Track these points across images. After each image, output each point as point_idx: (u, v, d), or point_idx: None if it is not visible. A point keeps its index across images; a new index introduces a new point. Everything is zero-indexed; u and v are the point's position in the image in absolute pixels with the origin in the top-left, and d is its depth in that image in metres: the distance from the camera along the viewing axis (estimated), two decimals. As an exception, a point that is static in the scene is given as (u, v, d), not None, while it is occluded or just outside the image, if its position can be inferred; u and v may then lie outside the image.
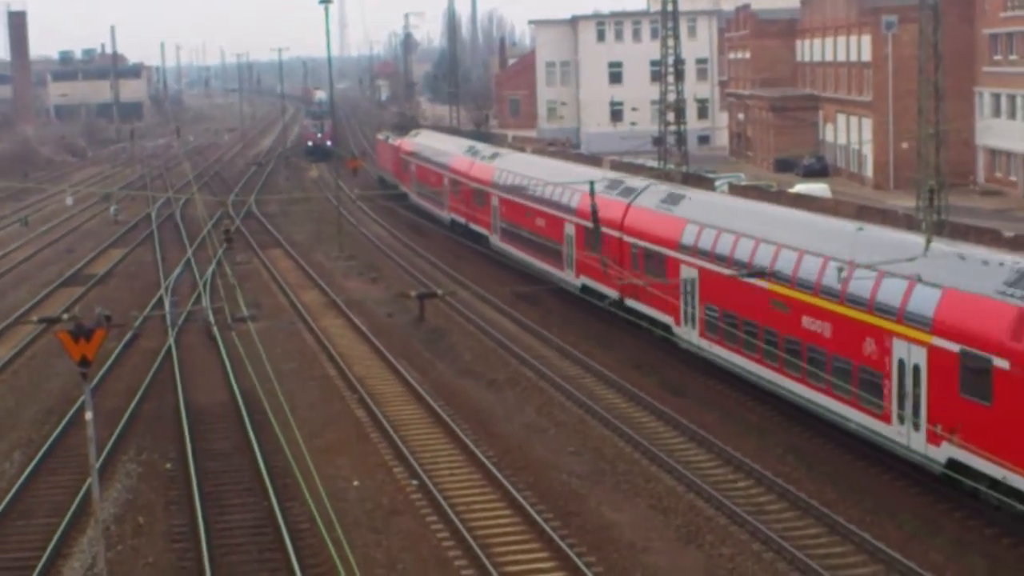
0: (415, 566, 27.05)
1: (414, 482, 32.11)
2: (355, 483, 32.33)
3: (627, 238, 47.61)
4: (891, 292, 31.13)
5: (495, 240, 64.19)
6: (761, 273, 36.84)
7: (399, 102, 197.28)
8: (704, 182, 54.37)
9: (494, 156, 68.61)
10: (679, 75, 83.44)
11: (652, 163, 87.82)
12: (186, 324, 52.05)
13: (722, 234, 40.76)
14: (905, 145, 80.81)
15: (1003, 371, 27.24)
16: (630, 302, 47.41)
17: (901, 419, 30.41)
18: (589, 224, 47.78)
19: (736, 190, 52.92)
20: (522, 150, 79.36)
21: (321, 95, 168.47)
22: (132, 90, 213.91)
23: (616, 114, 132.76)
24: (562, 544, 27.25)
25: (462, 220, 71.73)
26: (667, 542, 28.12)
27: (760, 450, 34.02)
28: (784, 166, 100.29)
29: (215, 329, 49.96)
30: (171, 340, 48.29)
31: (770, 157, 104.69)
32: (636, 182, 51.84)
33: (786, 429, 35.93)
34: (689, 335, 42.42)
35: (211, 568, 26.39)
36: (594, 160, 74.97)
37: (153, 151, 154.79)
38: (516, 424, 37.39)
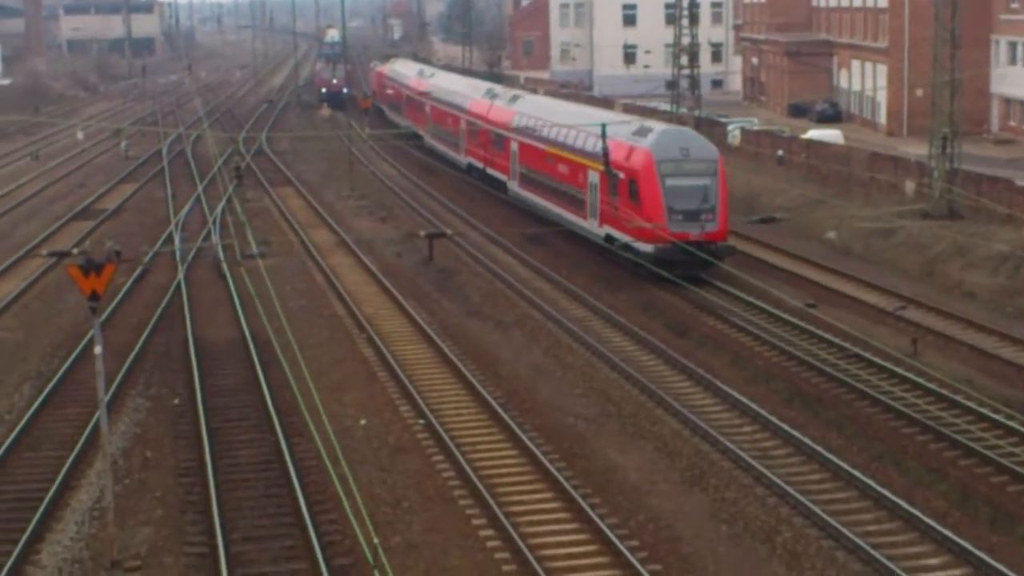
0: (420, 504, 27.19)
1: (421, 421, 32.23)
2: (362, 421, 32.46)
3: (485, 125, 68.04)
4: (589, 144, 50.83)
5: (515, 188, 63.28)
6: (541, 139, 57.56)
7: (412, 42, 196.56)
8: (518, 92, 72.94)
9: (510, 99, 68.21)
10: (693, 18, 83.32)
11: (665, 106, 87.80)
12: (196, 260, 52.13)
13: (528, 118, 60.55)
14: (919, 92, 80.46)
15: (623, 180, 47.94)
16: (488, 169, 68.39)
17: (590, 215, 51.26)
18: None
19: (555, 93, 75.94)
20: (533, 92, 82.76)
21: (333, 34, 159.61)
22: (144, 25, 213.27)
23: (629, 57, 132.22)
24: (567, 485, 27.37)
25: (483, 166, 70.15)
26: (671, 485, 28.24)
27: (766, 395, 34.10)
28: (797, 111, 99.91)
29: (224, 266, 50.02)
30: (181, 276, 48.36)
31: (783, 102, 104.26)
32: (498, 89, 73.90)
33: (793, 374, 35.99)
34: (514, 188, 62.94)
35: (218, 503, 26.53)
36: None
37: (165, 87, 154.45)
38: (523, 365, 37.48)
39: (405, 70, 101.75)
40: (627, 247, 48.51)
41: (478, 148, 71.12)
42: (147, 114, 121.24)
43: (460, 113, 75.52)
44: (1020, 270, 45.56)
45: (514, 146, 62.85)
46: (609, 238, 50.23)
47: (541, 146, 58.15)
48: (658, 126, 51.01)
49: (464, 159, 74.96)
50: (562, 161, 55.11)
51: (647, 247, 46.76)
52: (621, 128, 50.76)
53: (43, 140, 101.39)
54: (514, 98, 68.13)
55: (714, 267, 46.14)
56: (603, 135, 48.34)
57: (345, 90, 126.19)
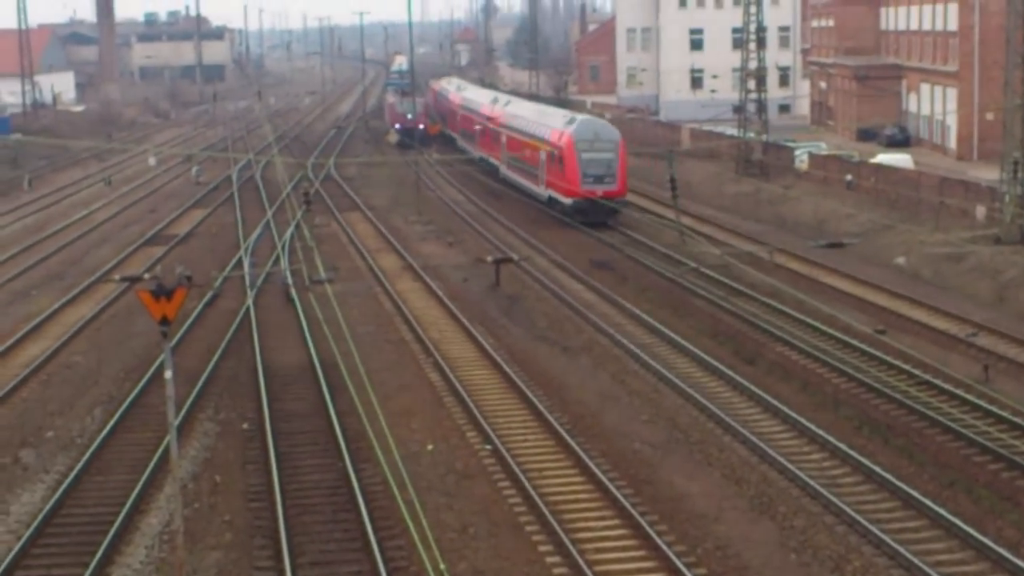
0: (486, 530, 27.19)
1: (487, 447, 32.25)
2: (429, 447, 32.52)
3: (493, 127, 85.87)
4: (543, 132, 70.92)
5: (504, 170, 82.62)
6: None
7: (479, 67, 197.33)
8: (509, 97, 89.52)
9: (505, 103, 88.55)
10: (761, 42, 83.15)
11: (732, 131, 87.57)
12: (265, 285, 52.49)
13: (511, 117, 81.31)
14: (990, 116, 79.74)
15: (556, 155, 66.97)
16: (484, 155, 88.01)
17: (541, 184, 70.17)
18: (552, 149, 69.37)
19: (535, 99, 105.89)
20: (521, 98, 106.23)
21: (401, 62, 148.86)
22: (215, 52, 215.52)
23: (696, 81, 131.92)
24: (634, 512, 27.28)
25: (485, 155, 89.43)
26: (739, 512, 28.08)
27: (835, 422, 33.86)
28: (866, 136, 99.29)
29: (293, 291, 50.34)
30: (250, 301, 48.70)
31: (852, 126, 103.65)
32: (504, 97, 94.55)
33: (862, 401, 35.72)
34: (504, 171, 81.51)
35: (286, 527, 26.66)
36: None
37: (235, 113, 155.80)
38: (590, 391, 37.43)
39: (474, 96, 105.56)
40: (557, 201, 68.74)
41: (485, 143, 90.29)
42: (217, 140, 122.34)
43: (475, 116, 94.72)
44: (1093, 296, 44.99)
45: (503, 138, 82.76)
46: (550, 198, 70.21)
47: (523, 139, 76.57)
48: (580, 117, 73.08)
49: (477, 154, 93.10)
50: (528, 147, 74.84)
51: (568, 200, 66.95)
52: (559, 120, 71.98)
53: (116, 166, 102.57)
54: (506, 103, 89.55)
55: (617, 215, 66.05)
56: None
57: (422, 126, 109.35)
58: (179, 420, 31.36)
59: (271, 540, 26.67)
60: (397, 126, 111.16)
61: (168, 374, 24.35)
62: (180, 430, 31.16)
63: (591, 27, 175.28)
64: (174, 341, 40.25)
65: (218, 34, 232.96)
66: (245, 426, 34.68)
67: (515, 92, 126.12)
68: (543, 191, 71.07)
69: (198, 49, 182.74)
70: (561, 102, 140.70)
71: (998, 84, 62.15)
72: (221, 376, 39.44)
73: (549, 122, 72.25)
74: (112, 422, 34.37)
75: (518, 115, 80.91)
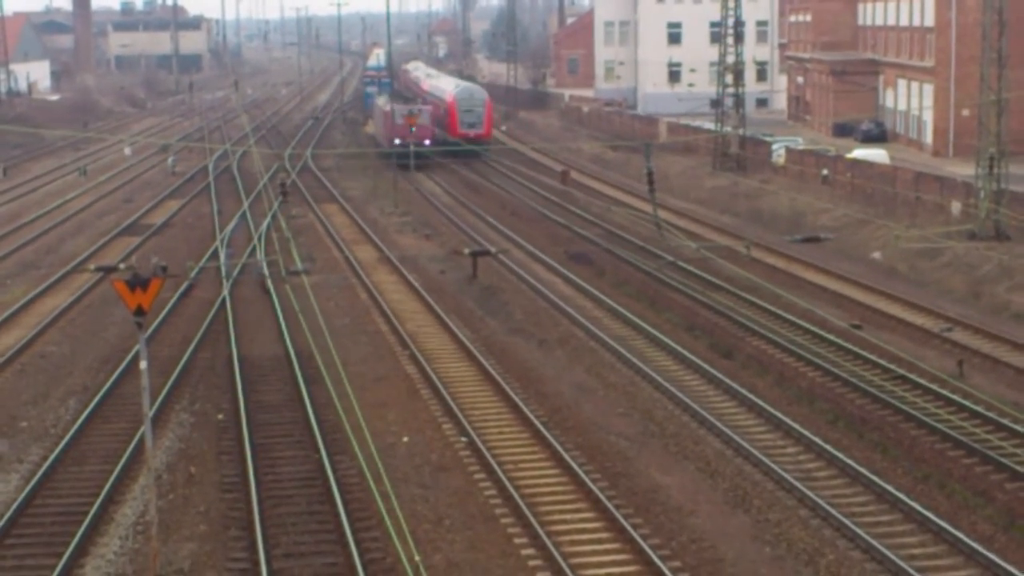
0: (462, 522, 27.19)
1: (463, 439, 32.24)
2: (404, 438, 32.50)
3: (421, 93, 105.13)
4: (442, 95, 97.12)
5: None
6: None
7: (456, 59, 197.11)
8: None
9: (427, 75, 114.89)
10: (738, 37, 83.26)
11: (709, 125, 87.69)
12: (241, 276, 52.38)
13: (429, 86, 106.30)
14: (966, 112, 79.96)
15: (444, 109, 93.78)
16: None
17: (440, 128, 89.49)
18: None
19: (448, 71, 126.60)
20: (445, 73, 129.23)
21: (379, 55, 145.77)
22: (192, 42, 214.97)
23: (674, 75, 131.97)
24: (609, 505, 27.32)
25: None
26: (714, 506, 28.13)
27: (810, 416, 33.95)
28: (842, 131, 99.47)
29: (269, 282, 50.23)
30: (226, 292, 48.59)
31: (828, 121, 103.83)
32: (434, 72, 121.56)
33: (837, 395, 35.81)
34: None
35: (261, 518, 26.61)
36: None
37: (211, 103, 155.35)
38: (565, 384, 37.45)
39: (417, 73, 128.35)
40: (448, 140, 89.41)
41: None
42: (194, 130, 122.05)
43: (416, 87, 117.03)
44: (1067, 292, 45.20)
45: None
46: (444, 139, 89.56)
47: (434, 100, 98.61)
48: (463, 84, 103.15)
49: None
50: (435, 105, 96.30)
51: (451, 137, 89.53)
52: (451, 86, 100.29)
53: (91, 155, 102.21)
54: (428, 75, 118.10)
55: (486, 149, 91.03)
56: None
57: (428, 141, 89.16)
58: (154, 411, 31.27)
59: (246, 531, 26.62)
60: (397, 141, 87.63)
61: (143, 364, 24.28)
62: (155, 421, 31.08)
63: (569, 20, 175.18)
64: (149, 332, 40.07)
65: (195, 23, 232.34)
66: (220, 417, 34.61)
67: (461, 73, 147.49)
68: (440, 133, 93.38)
69: (175, 38, 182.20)
70: (539, 94, 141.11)
71: (974, 80, 62.33)
72: (196, 367, 39.35)
73: (445, 87, 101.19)
74: (87, 412, 34.27)
75: (432, 84, 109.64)
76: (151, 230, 64.75)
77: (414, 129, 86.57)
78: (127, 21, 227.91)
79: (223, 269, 52.12)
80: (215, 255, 56.34)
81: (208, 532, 26.96)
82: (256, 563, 24.89)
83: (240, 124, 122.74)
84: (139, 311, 23.99)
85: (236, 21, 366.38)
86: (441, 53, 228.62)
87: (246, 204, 71.69)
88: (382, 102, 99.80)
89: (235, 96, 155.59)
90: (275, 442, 32.21)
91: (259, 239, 59.69)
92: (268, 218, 65.67)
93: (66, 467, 30.62)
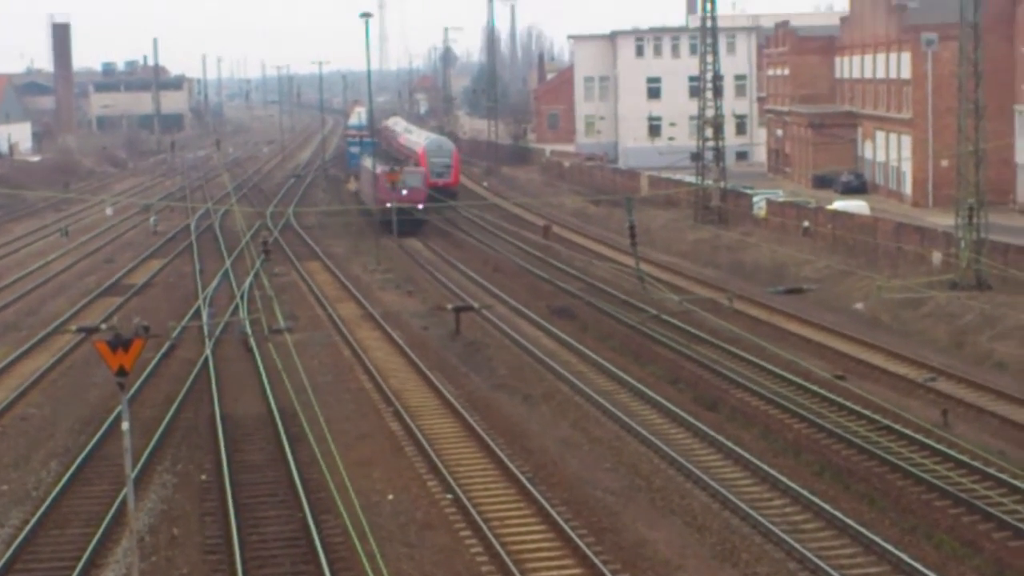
0: (448, 580, 27.01)
1: (448, 496, 32.08)
2: (389, 496, 32.32)
3: (397, 146, 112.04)
4: (414, 147, 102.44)
5: None
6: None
7: (438, 116, 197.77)
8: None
9: (405, 129, 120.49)
10: (717, 91, 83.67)
11: (690, 178, 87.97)
12: (223, 335, 52.23)
13: (403, 138, 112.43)
14: (944, 163, 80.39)
15: (415, 159, 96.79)
16: None
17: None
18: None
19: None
20: (421, 128, 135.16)
21: (360, 113, 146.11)
22: (173, 102, 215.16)
23: (654, 129, 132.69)
24: (596, 561, 27.16)
25: None
26: (701, 560, 27.99)
27: (796, 468, 33.85)
28: (822, 183, 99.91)
29: (252, 340, 50.09)
30: (208, 351, 48.43)
31: (808, 173, 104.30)
32: (410, 127, 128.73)
33: (823, 447, 35.74)
34: None
35: (245, 580, 26.41)
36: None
37: (193, 162, 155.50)
38: (551, 439, 37.31)
39: (395, 127, 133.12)
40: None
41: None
42: (176, 189, 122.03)
43: (394, 140, 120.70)
44: (1050, 340, 45.25)
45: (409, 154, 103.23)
46: None
47: (406, 151, 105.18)
48: (432, 136, 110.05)
49: None
50: (408, 156, 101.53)
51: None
52: (422, 139, 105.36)
53: (73, 216, 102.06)
54: (406, 129, 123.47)
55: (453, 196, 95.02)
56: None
57: (421, 206, 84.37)
58: (136, 472, 31.08)
59: (230, 593, 26.40)
60: (388, 205, 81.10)
61: (125, 425, 24.16)
62: (137, 482, 30.87)
63: (549, 76, 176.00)
64: (131, 392, 39.97)
65: (176, 83, 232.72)
66: (203, 477, 34.40)
67: (442, 129, 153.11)
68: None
69: (156, 98, 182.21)
70: (521, 149, 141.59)
71: (951, 131, 62.62)
72: (179, 427, 39.15)
73: (417, 140, 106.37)
74: (68, 474, 34.01)
75: (407, 137, 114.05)
76: (133, 290, 64.57)
77: (406, 192, 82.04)
78: (108, 82, 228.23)
79: (205, 328, 52.01)
80: (197, 314, 56.20)
81: (192, 594, 26.72)
82: (241, 625, 24.66)
83: (222, 183, 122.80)
84: (121, 372, 23.90)
85: (217, 80, 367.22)
86: (423, 110, 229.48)
87: (228, 262, 71.61)
88: (370, 163, 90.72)
89: (217, 155, 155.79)
90: (259, 502, 32.00)
91: (241, 297, 59.59)
92: (250, 276, 65.59)
93: (47, 530, 30.37)
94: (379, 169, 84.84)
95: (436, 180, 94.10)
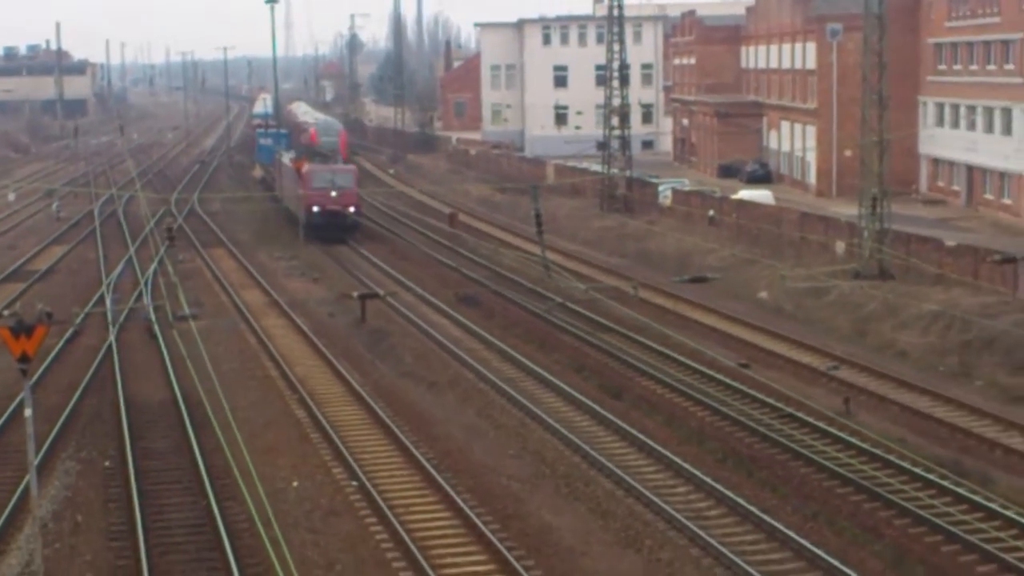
0: (353, 567, 26.99)
1: (354, 483, 32.03)
2: (294, 483, 32.22)
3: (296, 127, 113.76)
4: (307, 127, 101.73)
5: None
6: None
7: (344, 103, 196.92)
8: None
9: (304, 112, 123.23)
10: (624, 80, 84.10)
11: (596, 167, 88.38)
12: (127, 322, 51.73)
13: (301, 121, 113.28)
14: (848, 153, 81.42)
15: (308, 138, 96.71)
16: None
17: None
18: None
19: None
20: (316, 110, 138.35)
21: (266, 100, 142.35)
22: (76, 87, 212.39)
23: (561, 118, 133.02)
24: (501, 547, 27.25)
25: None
26: (606, 546, 28.18)
27: (700, 455, 34.17)
28: (728, 172, 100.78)
29: (156, 327, 49.66)
30: (112, 337, 47.95)
31: (714, 163, 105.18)
32: (308, 110, 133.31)
33: (726, 434, 36.09)
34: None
35: (149, 567, 26.24)
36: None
37: (96, 148, 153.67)
38: (456, 426, 37.38)
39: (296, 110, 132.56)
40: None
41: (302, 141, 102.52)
42: (79, 175, 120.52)
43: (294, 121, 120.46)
44: (950, 330, 46.00)
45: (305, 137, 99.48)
46: None
47: (303, 132, 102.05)
48: (321, 117, 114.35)
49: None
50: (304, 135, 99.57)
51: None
52: (313, 118, 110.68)
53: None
54: (304, 112, 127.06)
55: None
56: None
57: (354, 208, 75.68)
58: (39, 459, 30.70)
59: (133, 581, 26.20)
60: (315, 208, 74.20)
61: (28, 412, 23.92)
62: (40, 469, 30.51)
63: (456, 63, 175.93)
64: (34, 379, 39.43)
65: (79, 68, 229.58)
66: (107, 464, 34.08)
67: (347, 116, 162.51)
68: None
69: (59, 83, 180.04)
70: (426, 136, 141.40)
71: (856, 121, 63.44)
72: (83, 414, 38.76)
73: (310, 120, 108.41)
74: (-32, 462, 33.55)
75: (304, 119, 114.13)
76: (35, 276, 63.73)
77: (334, 194, 74.16)
78: (10, 66, 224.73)
79: (109, 315, 51.49)
80: (101, 300, 55.60)
81: (95, 582, 26.49)
82: (144, 613, 24.50)
83: (126, 168, 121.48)
84: (24, 358, 23.67)
85: (121, 65, 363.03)
86: (329, 97, 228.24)
87: (132, 249, 70.90)
88: (292, 160, 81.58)
89: (120, 141, 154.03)
90: (163, 489, 31.78)
91: (146, 284, 59.03)
92: (155, 263, 64.96)
93: (-53, 518, 29.94)
94: (305, 168, 76.29)
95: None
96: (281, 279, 63.34)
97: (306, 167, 76.19)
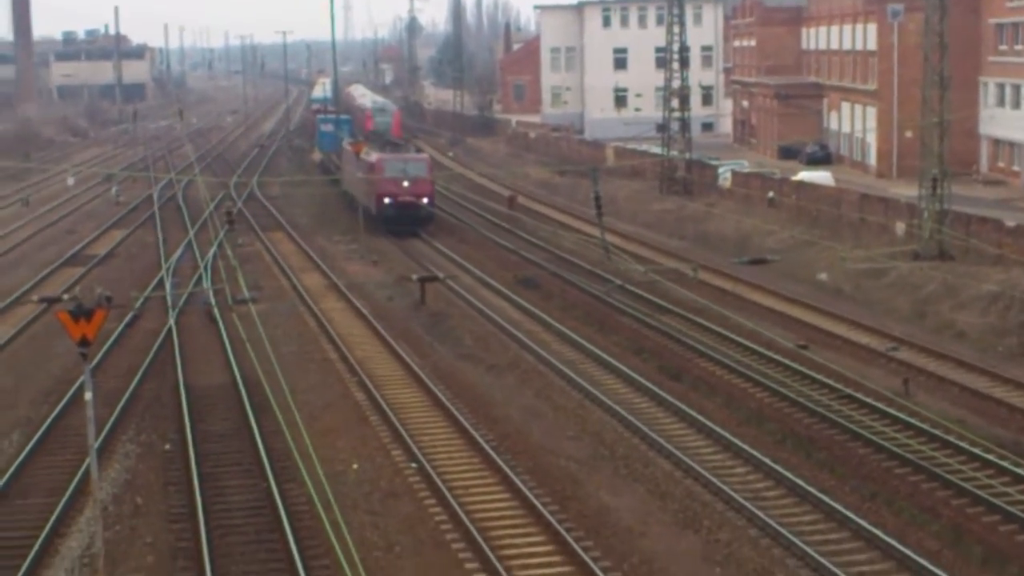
0: (413, 548, 27.08)
1: (413, 465, 32.13)
2: (354, 465, 32.35)
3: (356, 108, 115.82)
4: (364, 108, 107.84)
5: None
6: None
7: (403, 86, 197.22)
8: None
9: (361, 95, 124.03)
10: (684, 62, 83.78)
11: (656, 149, 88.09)
12: (187, 306, 52.04)
13: (360, 102, 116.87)
14: (909, 134, 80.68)
15: (362, 118, 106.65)
16: None
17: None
18: None
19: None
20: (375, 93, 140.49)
21: (325, 84, 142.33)
22: (135, 71, 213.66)
23: (620, 100, 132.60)
24: (560, 528, 27.27)
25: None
26: (664, 527, 28.15)
27: (758, 436, 34.05)
28: (788, 153, 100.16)
29: (216, 311, 49.96)
30: (171, 321, 48.28)
31: (774, 144, 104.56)
32: (367, 92, 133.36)
33: (785, 415, 35.95)
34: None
35: (209, 548, 26.40)
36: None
37: (155, 132, 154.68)
38: (515, 408, 37.41)
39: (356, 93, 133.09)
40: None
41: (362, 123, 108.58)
42: (138, 159, 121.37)
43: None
44: (1010, 310, 45.60)
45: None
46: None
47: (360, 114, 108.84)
48: (377, 99, 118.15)
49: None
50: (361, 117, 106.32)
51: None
52: (369, 102, 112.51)
53: (33, 186, 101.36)
54: (363, 95, 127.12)
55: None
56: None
57: (427, 199, 71.63)
58: (99, 442, 31.01)
59: (194, 562, 26.40)
60: (387, 199, 70.58)
61: (88, 395, 24.10)
62: (100, 452, 30.80)
63: (515, 46, 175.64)
64: (94, 363, 39.84)
65: (138, 52, 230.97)
66: (167, 447, 34.34)
67: (407, 99, 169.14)
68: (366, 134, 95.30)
69: (118, 68, 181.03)
70: (486, 120, 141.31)
71: (916, 102, 62.88)
72: (142, 397, 39.04)
73: (367, 102, 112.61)
74: (30, 445, 33.90)
75: (361, 101, 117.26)
76: (95, 260, 64.28)
77: (406, 184, 70.26)
78: (69, 51, 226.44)
79: (169, 298, 51.84)
80: (160, 285, 56.00)
81: (156, 563, 26.72)
82: (204, 593, 24.68)
83: (185, 153, 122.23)
84: (83, 342, 23.81)
85: (180, 50, 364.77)
86: (388, 80, 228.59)
87: (191, 233, 71.33)
88: (362, 149, 75.71)
89: (179, 125, 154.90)
90: (223, 471, 31.98)
91: (205, 268, 59.38)
92: (214, 247, 65.37)
93: (10, 500, 30.27)
94: (374, 157, 72.40)
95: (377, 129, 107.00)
96: (341, 262, 63.56)
97: (376, 155, 72.68)
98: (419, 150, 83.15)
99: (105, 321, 24.84)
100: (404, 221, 70.48)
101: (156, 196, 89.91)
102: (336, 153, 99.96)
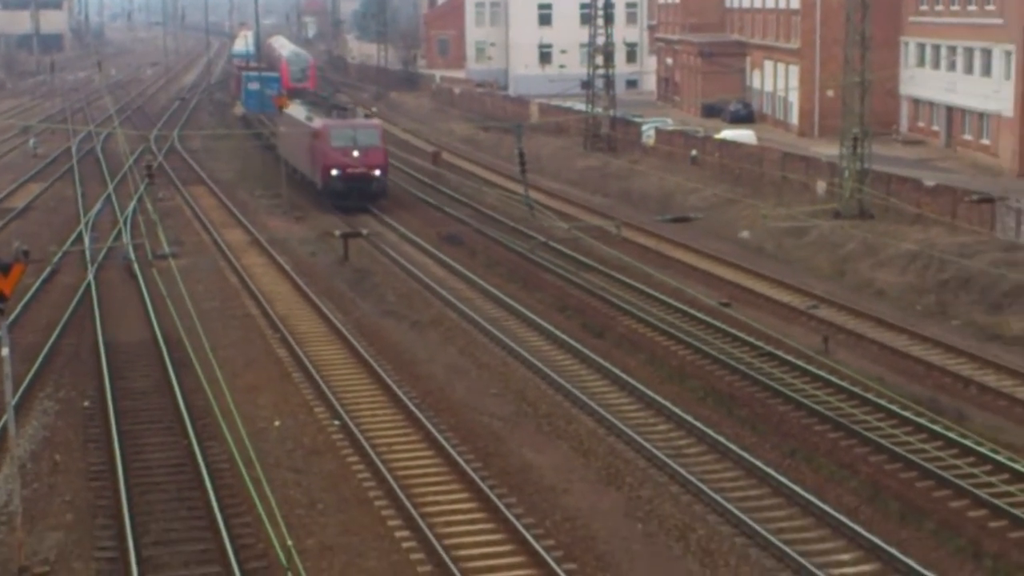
0: (336, 506, 27.04)
1: (336, 422, 32.05)
2: (276, 423, 32.23)
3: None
4: (280, 58, 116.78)
5: None
6: None
7: (326, 40, 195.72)
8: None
9: (280, 46, 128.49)
10: (608, 18, 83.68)
11: (580, 106, 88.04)
12: (106, 260, 51.50)
13: (278, 54, 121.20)
14: (831, 93, 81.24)
15: (279, 68, 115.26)
16: None
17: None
18: None
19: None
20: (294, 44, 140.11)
21: (247, 37, 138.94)
22: (53, 21, 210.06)
23: (545, 56, 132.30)
24: (483, 485, 27.34)
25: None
26: (587, 484, 28.28)
27: (680, 393, 34.27)
28: (711, 112, 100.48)
29: (135, 266, 49.48)
30: (91, 276, 47.77)
31: (697, 102, 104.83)
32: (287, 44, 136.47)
33: (707, 373, 36.19)
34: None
35: (129, 506, 26.22)
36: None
37: (74, 84, 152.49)
38: (438, 365, 37.40)
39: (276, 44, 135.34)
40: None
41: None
42: (56, 111, 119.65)
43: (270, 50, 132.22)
44: (928, 269, 46.14)
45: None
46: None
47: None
48: (292, 49, 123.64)
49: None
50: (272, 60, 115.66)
51: (286, 90, 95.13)
52: (286, 50, 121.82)
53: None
54: (282, 46, 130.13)
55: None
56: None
57: (379, 172, 63.57)
58: (16, 399, 30.61)
59: (114, 519, 26.21)
60: (334, 171, 62.87)
61: (5, 351, 23.80)
62: (18, 409, 30.44)
63: (440, 1, 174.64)
64: (11, 318, 39.32)
65: (56, 2, 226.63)
66: (86, 404, 34.02)
67: (330, 53, 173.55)
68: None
69: (35, 17, 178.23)
70: (410, 75, 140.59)
71: (838, 62, 63.35)
72: (61, 353, 38.64)
73: (282, 53, 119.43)
74: (-53, 401, 33.45)
75: (278, 51, 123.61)
76: (12, 214, 63.33)
77: (356, 153, 62.41)
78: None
79: (88, 253, 51.26)
80: (79, 239, 55.36)
81: (75, 521, 26.51)
82: (125, 551, 24.53)
83: (104, 105, 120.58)
84: (0, 297, 23.49)
85: (99, 0, 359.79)
86: (311, 33, 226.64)
87: (111, 187, 70.50)
88: (304, 113, 68.98)
89: (98, 77, 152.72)
90: (143, 428, 31.75)
91: (125, 222, 58.75)
92: (134, 201, 64.67)
93: (-73, 457, 29.90)
94: (319, 123, 64.65)
95: (295, 84, 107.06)
96: (263, 217, 63.10)
97: (321, 121, 64.89)
98: (368, 116, 73.56)
99: (23, 276, 24.52)
100: (353, 196, 63.05)
101: (75, 149, 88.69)
102: (266, 114, 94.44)
